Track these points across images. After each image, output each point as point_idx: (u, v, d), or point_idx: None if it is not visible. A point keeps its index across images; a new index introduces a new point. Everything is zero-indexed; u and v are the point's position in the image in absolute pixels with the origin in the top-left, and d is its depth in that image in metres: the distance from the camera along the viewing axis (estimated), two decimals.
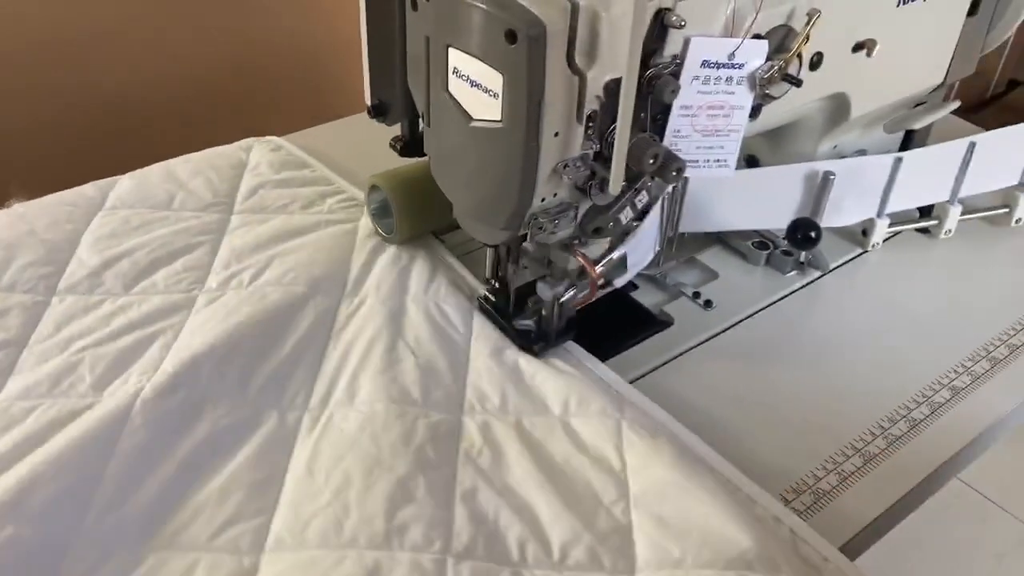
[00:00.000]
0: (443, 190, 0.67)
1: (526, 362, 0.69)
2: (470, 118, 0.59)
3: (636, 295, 0.80)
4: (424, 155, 0.76)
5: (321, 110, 1.12)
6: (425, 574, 0.54)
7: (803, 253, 0.83)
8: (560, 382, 0.67)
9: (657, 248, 0.80)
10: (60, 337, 0.70)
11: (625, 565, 0.56)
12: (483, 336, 0.72)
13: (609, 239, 0.69)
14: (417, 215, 0.79)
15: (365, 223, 0.84)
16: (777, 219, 0.81)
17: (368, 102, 0.75)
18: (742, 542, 0.55)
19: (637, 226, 0.73)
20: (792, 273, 0.84)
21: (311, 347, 0.70)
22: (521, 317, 0.71)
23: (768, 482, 0.63)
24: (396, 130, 0.77)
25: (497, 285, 0.71)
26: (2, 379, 0.66)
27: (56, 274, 0.76)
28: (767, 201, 0.81)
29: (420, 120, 0.71)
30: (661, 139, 0.64)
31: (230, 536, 0.57)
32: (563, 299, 0.68)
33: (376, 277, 0.77)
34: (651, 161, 0.59)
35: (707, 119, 0.65)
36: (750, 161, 0.88)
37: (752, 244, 0.85)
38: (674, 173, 0.60)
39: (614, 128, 0.57)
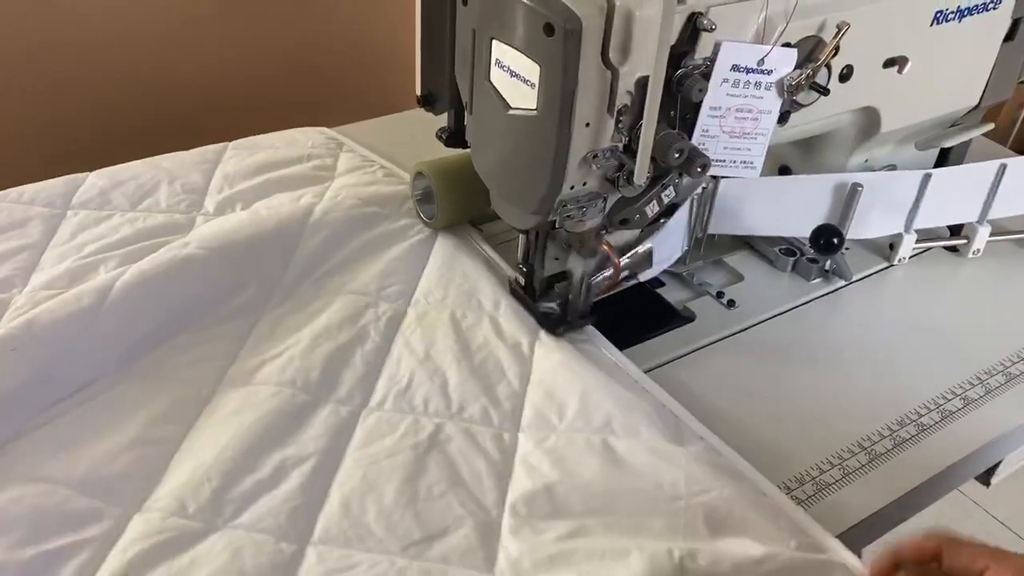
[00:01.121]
0: (480, 175, 0.71)
1: (472, 268, 0.80)
2: (508, 106, 0.63)
3: (662, 291, 0.83)
4: (467, 146, 0.81)
5: (376, 106, 1.18)
6: (339, 420, 0.67)
7: (828, 261, 0.85)
8: (495, 285, 0.78)
9: (685, 247, 0.83)
10: (76, 242, 0.81)
11: (511, 424, 0.67)
12: (441, 246, 0.83)
13: (636, 230, 0.72)
14: (457, 203, 0.83)
15: (345, 157, 0.96)
16: (804, 227, 0.83)
17: (418, 92, 0.80)
18: (608, 411, 0.66)
19: (664, 223, 0.77)
20: (816, 280, 0.86)
21: (289, 236, 0.81)
22: (546, 300, 0.74)
23: (771, 471, 0.65)
24: (443, 122, 0.82)
25: (526, 269, 0.75)
26: (27, 274, 0.78)
27: (70, 192, 0.87)
28: (795, 209, 0.83)
29: (464, 111, 0.76)
30: (690, 138, 0.67)
31: (194, 372, 0.70)
32: (592, 275, 0.71)
33: (352, 196, 0.87)
34: (676, 155, 0.62)
35: (735, 121, 0.68)
36: (782, 171, 0.91)
37: (779, 250, 0.87)
38: (699, 169, 0.64)
39: (643, 122, 0.61)
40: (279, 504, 0.60)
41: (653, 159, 0.62)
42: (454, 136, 0.81)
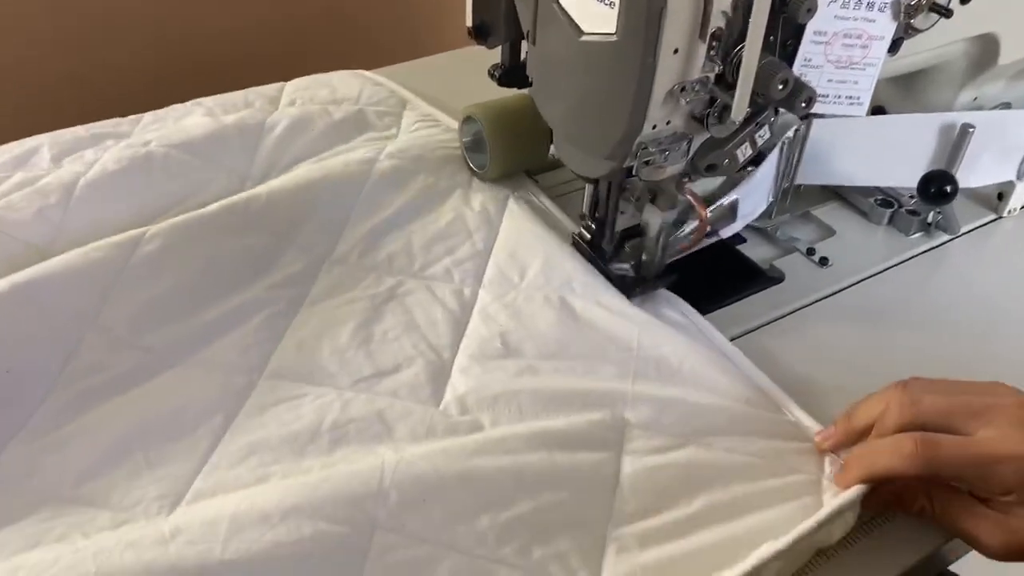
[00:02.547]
0: (544, 115, 0.62)
1: (447, 138, 0.80)
2: (581, 32, 0.54)
3: (744, 248, 0.74)
4: (523, 86, 0.72)
5: (419, 46, 1.09)
6: (307, 267, 0.68)
7: (931, 214, 0.76)
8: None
9: (770, 199, 0.74)
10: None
11: (473, 281, 0.68)
12: (422, 136, 0.81)
13: (717, 180, 0.64)
14: (512, 150, 0.75)
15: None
16: (904, 175, 0.74)
17: (469, 23, 0.71)
18: (569, 273, 0.66)
19: (751, 172, 0.68)
20: (917, 235, 0.77)
21: (250, 130, 0.79)
22: (618, 260, 0.66)
23: None
24: (496, 58, 0.73)
25: (593, 225, 0.67)
26: None
27: None
28: (894, 155, 0.74)
29: (522, 43, 0.67)
30: (790, 68, 0.57)
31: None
32: (671, 230, 0.63)
33: (308, 99, 0.86)
34: (780, 87, 0.53)
35: (842, 49, 0.59)
36: (877, 112, 0.81)
37: (875, 201, 0.78)
38: (803, 103, 0.54)
39: (741, 48, 0.52)
40: (233, 343, 0.62)
41: (752, 92, 0.53)
42: (509, 74, 0.72)
